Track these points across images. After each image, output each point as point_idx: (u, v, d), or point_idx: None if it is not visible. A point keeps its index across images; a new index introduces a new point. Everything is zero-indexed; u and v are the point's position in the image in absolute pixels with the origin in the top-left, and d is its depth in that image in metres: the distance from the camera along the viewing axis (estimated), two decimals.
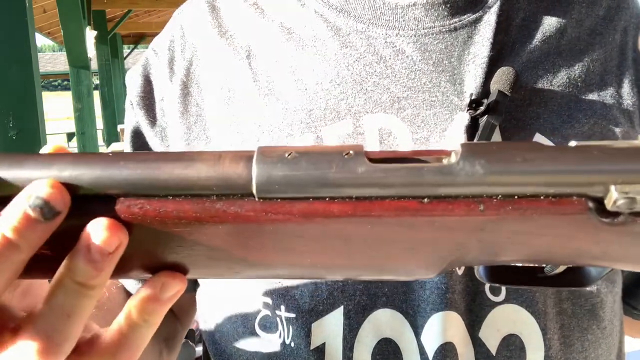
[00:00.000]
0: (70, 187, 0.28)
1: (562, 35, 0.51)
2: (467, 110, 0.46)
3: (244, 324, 0.51)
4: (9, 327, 0.30)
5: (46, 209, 0.27)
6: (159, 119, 0.56)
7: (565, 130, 0.48)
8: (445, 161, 0.29)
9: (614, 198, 0.27)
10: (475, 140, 0.45)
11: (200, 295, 0.57)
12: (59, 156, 0.29)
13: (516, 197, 0.28)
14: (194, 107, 0.54)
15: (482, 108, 0.45)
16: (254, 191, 0.28)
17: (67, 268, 0.28)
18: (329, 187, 0.28)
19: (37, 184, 0.27)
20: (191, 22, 0.57)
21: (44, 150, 0.32)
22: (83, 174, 0.28)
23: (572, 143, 0.29)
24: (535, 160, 0.28)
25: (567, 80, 0.50)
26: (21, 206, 0.27)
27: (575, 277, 0.37)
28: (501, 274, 0.37)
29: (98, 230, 0.27)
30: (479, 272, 0.37)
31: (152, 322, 0.31)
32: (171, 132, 0.55)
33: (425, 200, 0.28)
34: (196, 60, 0.55)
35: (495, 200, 0.28)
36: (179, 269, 0.31)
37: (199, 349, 1.29)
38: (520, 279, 0.37)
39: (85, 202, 0.28)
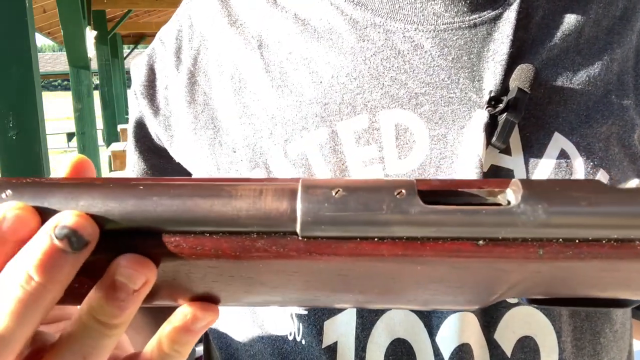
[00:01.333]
0: (98, 220, 0.26)
1: (581, 34, 0.51)
2: (486, 107, 0.46)
3: (253, 319, 0.50)
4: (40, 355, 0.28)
5: (74, 239, 0.25)
6: (162, 108, 0.55)
7: (583, 130, 0.47)
8: (500, 197, 0.28)
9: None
10: (494, 138, 0.45)
11: None
12: (87, 188, 0.27)
13: (577, 240, 0.27)
14: (201, 96, 0.53)
15: (501, 105, 0.45)
16: (298, 231, 0.27)
17: (89, 305, 0.26)
18: (379, 227, 0.27)
19: (63, 214, 0.25)
20: (200, 10, 0.56)
21: (67, 162, 0.30)
22: (113, 208, 0.26)
23: (634, 183, 0.28)
24: (600, 204, 0.27)
25: (587, 79, 0.49)
26: (46, 238, 0.25)
27: (616, 299, 0.36)
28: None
29: (124, 266, 0.26)
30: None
31: (183, 353, 0.29)
32: (175, 120, 0.54)
33: (481, 242, 0.27)
34: (204, 49, 0.54)
35: (555, 244, 0.27)
36: (212, 300, 0.29)
37: (199, 349, 1.29)
38: (559, 300, 0.35)
39: (113, 237, 0.27)
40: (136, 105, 0.57)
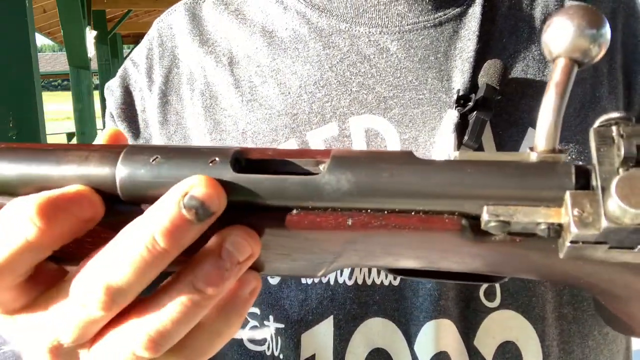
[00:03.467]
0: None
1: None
2: (456, 107, 0.45)
3: (233, 339, 0.51)
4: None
5: (201, 210, 0.25)
6: (142, 131, 0.55)
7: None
8: (321, 167, 0.27)
9: (485, 220, 0.25)
10: (466, 138, 0.44)
11: None
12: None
13: (385, 212, 0.27)
14: (173, 115, 0.53)
15: (470, 104, 0.44)
16: (120, 195, 0.27)
17: (190, 272, 0.26)
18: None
19: (193, 182, 0.25)
20: (170, 29, 0.56)
21: (103, 136, 0.32)
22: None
23: (452, 156, 0.27)
24: (403, 176, 0.26)
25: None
26: (174, 206, 0.25)
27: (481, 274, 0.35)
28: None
29: (235, 235, 0.26)
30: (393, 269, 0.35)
31: (233, 322, 0.30)
32: (155, 143, 0.54)
33: (294, 212, 0.27)
34: (175, 68, 0.54)
35: (364, 214, 0.27)
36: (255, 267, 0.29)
37: None
38: (425, 273, 0.34)
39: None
40: (113, 127, 0.56)
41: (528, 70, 0.48)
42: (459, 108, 0.45)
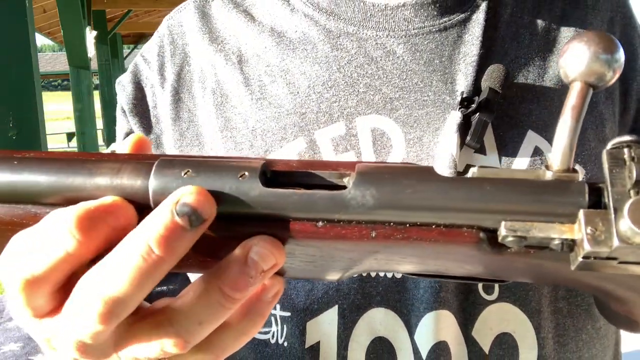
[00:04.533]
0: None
1: (549, 30, 0.51)
2: (459, 108, 0.46)
3: None
4: (137, 316, 0.30)
5: (194, 217, 0.26)
6: (154, 126, 0.56)
7: (556, 127, 0.49)
8: (346, 180, 0.29)
9: (503, 235, 0.26)
10: (468, 138, 0.45)
11: None
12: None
13: (407, 225, 0.28)
14: (185, 112, 0.54)
15: (473, 106, 0.46)
16: (152, 206, 0.28)
17: (217, 276, 0.28)
18: (222, 207, 0.28)
19: (183, 191, 0.27)
20: (181, 28, 0.57)
21: (127, 142, 0.33)
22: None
23: (471, 172, 0.28)
24: (425, 192, 0.28)
25: (559, 74, 0.50)
26: (167, 214, 0.26)
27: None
28: None
29: (260, 245, 0.28)
30: None
31: (257, 322, 0.31)
32: (165, 139, 0.55)
33: (320, 224, 0.29)
34: (187, 66, 0.55)
35: (386, 227, 0.28)
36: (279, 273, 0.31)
37: None
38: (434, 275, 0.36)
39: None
40: (125, 122, 0.57)
41: (528, 76, 0.49)
42: (462, 110, 0.46)
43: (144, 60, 0.58)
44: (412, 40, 0.49)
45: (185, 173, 0.28)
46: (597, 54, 0.27)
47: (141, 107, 0.56)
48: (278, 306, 0.48)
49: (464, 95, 0.47)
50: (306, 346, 0.48)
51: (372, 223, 0.28)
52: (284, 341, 0.48)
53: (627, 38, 0.54)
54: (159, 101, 0.55)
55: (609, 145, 0.27)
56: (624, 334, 0.56)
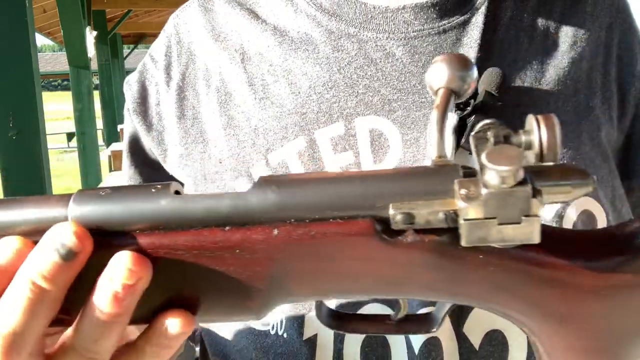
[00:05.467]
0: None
1: (548, 34, 0.52)
2: (455, 111, 0.47)
3: None
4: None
5: (69, 252, 0.30)
6: (155, 124, 0.57)
7: None
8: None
9: (392, 214, 0.30)
10: (463, 140, 0.46)
11: None
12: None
13: (307, 220, 0.30)
14: (190, 110, 0.55)
15: (469, 109, 0.46)
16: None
17: (95, 298, 0.31)
18: (135, 218, 0.31)
19: (58, 229, 0.30)
20: (186, 26, 0.58)
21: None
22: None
23: (365, 169, 0.31)
24: (320, 186, 0.31)
25: (556, 78, 0.50)
26: (46, 250, 0.30)
27: (419, 322, 0.40)
28: (347, 321, 0.40)
29: (119, 263, 0.30)
30: (322, 319, 0.39)
31: (161, 354, 0.33)
32: (168, 136, 0.56)
33: (227, 228, 0.31)
34: (192, 64, 0.56)
35: (288, 225, 0.30)
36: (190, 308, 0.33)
37: (199, 349, 1.29)
38: (368, 327, 0.40)
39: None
40: (130, 121, 0.59)
41: (525, 79, 0.50)
42: (458, 112, 0.47)
43: (151, 59, 0.59)
44: (412, 42, 0.50)
45: (104, 191, 0.32)
46: (454, 72, 0.32)
47: (144, 106, 0.57)
48: None
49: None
50: (304, 338, 0.49)
51: (275, 221, 0.31)
52: (283, 332, 0.49)
53: (626, 44, 0.54)
54: (163, 99, 0.56)
55: (475, 130, 0.31)
56: None
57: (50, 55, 27.06)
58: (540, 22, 0.52)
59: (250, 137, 0.51)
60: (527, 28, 0.52)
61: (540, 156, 0.29)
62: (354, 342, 0.48)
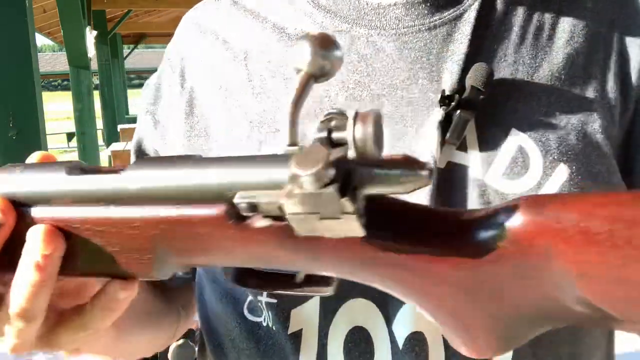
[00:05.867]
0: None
1: (542, 28, 0.51)
2: (441, 106, 0.47)
3: (235, 307, 0.53)
4: None
5: None
6: (163, 120, 0.59)
7: (542, 125, 0.48)
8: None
9: (236, 202, 0.31)
10: (448, 135, 0.46)
11: (198, 280, 0.60)
12: None
13: (172, 203, 0.34)
14: (198, 108, 0.57)
15: (453, 103, 0.47)
16: None
17: (22, 264, 0.36)
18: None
19: None
20: (197, 26, 0.60)
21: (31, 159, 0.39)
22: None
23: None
24: (183, 171, 0.34)
25: (550, 73, 0.50)
26: None
27: (318, 282, 0.40)
28: (251, 277, 0.41)
29: (34, 234, 0.35)
30: (229, 275, 0.41)
31: (109, 316, 0.38)
32: (174, 130, 0.58)
33: (110, 207, 0.35)
34: (202, 66, 0.58)
35: (157, 205, 0.34)
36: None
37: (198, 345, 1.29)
38: (272, 285, 0.41)
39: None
40: (143, 121, 0.61)
41: (517, 74, 0.50)
42: (444, 107, 0.47)
43: (168, 61, 0.61)
44: (402, 38, 0.51)
45: (18, 167, 0.37)
46: (317, 50, 0.31)
47: (155, 105, 0.60)
48: (265, 293, 0.50)
49: (447, 93, 0.48)
50: (289, 332, 0.50)
51: (147, 201, 0.34)
52: (272, 325, 0.51)
53: (630, 39, 0.53)
54: (175, 99, 0.59)
55: (320, 120, 0.31)
56: (621, 334, 0.56)
57: (50, 55, 27.06)
58: (537, 17, 0.52)
59: (246, 130, 0.52)
60: (522, 22, 0.52)
61: (357, 151, 0.29)
62: (337, 337, 0.49)
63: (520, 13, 0.52)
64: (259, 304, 0.51)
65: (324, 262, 0.34)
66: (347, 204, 0.29)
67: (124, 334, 0.50)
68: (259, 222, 0.32)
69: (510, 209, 0.32)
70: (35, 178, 0.36)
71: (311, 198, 0.29)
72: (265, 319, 0.51)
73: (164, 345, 0.61)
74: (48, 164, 0.37)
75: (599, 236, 0.29)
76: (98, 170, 0.36)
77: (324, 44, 0.32)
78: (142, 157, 0.61)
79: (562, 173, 0.47)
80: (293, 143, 0.31)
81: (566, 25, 0.52)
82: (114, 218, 0.35)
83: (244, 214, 0.32)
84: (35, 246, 0.35)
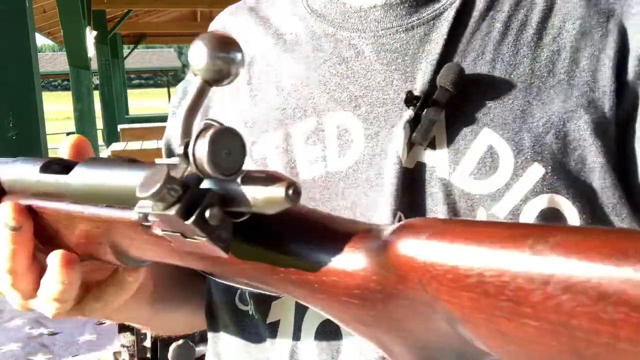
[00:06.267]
0: None
1: (526, 25, 0.50)
2: (408, 106, 0.47)
3: (228, 296, 0.56)
4: None
5: (11, 227, 0.42)
6: None
7: (517, 125, 0.46)
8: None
9: (136, 210, 0.32)
10: (414, 134, 0.46)
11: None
12: None
13: (102, 205, 0.37)
14: (212, 111, 0.60)
15: (418, 104, 0.47)
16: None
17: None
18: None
19: (4, 209, 0.42)
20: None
21: (66, 143, 0.44)
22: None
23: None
24: (110, 178, 0.36)
25: (530, 70, 0.48)
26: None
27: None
28: None
29: (3, 209, 0.42)
30: None
31: (119, 295, 0.44)
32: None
33: (65, 201, 0.39)
34: None
35: (89, 206, 0.37)
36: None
37: (199, 349, 1.29)
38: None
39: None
40: (171, 124, 0.66)
41: (494, 72, 0.49)
42: (411, 107, 0.47)
43: None
44: (380, 40, 0.52)
45: (14, 160, 0.43)
46: (215, 52, 0.29)
47: (179, 109, 0.64)
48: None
49: (417, 93, 0.48)
50: (267, 322, 0.52)
51: (83, 201, 0.37)
52: (255, 314, 0.53)
53: (630, 31, 0.49)
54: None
55: (203, 123, 0.30)
56: None
57: (50, 55, 27.07)
58: (523, 12, 0.50)
59: (240, 130, 0.52)
60: (504, 19, 0.50)
61: (196, 169, 0.28)
62: (309, 328, 0.50)
63: (505, 9, 0.51)
64: (246, 294, 0.53)
65: (225, 269, 0.34)
66: (192, 226, 0.28)
67: (160, 311, 0.57)
68: (156, 230, 0.31)
69: (394, 233, 0.28)
70: (17, 171, 0.42)
71: (165, 218, 0.28)
72: (251, 308, 0.53)
73: (202, 326, 0.64)
74: (32, 159, 0.42)
75: (468, 280, 0.24)
76: (68, 167, 0.39)
77: (221, 45, 0.29)
78: (171, 154, 0.64)
79: (535, 173, 0.45)
80: (185, 152, 0.29)
81: (556, 20, 0.49)
82: (71, 212, 0.38)
83: (143, 223, 0.32)
84: (6, 218, 0.42)
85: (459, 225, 0.26)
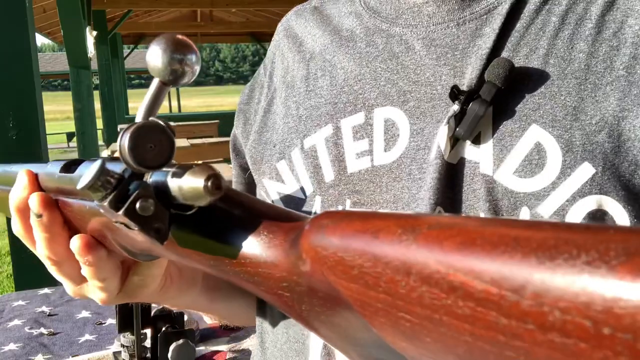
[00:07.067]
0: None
1: (590, 17, 0.47)
2: (453, 101, 0.46)
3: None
4: None
5: (37, 214, 0.46)
6: (251, 118, 0.66)
7: (568, 123, 0.44)
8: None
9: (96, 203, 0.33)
10: (457, 128, 0.45)
11: None
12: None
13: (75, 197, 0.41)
14: (273, 106, 0.62)
15: (462, 98, 0.46)
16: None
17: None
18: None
19: (33, 198, 0.46)
20: (286, 32, 0.67)
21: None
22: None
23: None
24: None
25: (586, 66, 0.45)
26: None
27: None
28: None
29: (32, 198, 0.46)
30: None
31: (144, 284, 0.49)
32: (254, 128, 0.64)
33: (58, 197, 0.44)
34: (283, 68, 0.64)
35: (68, 198, 0.42)
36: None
37: (200, 349, 1.30)
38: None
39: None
40: (236, 120, 0.68)
41: (547, 67, 0.46)
42: (457, 102, 0.46)
43: (263, 65, 0.68)
44: (431, 35, 0.52)
45: (49, 164, 0.46)
46: (170, 54, 0.30)
47: (248, 105, 0.67)
48: None
49: (464, 88, 0.47)
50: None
51: (63, 194, 0.42)
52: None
53: (625, 32, 0.47)
54: (263, 98, 0.65)
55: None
56: None
57: (50, 55, 27.06)
58: (581, 6, 0.48)
59: (295, 123, 0.57)
60: (562, 12, 0.48)
61: (124, 161, 0.29)
62: (296, 323, 0.51)
63: (563, 2, 0.48)
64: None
65: (186, 261, 0.34)
66: (122, 216, 0.29)
67: (217, 300, 0.61)
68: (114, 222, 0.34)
69: (308, 224, 0.28)
70: (47, 170, 0.46)
71: (104, 209, 0.30)
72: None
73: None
74: (68, 160, 0.45)
75: (353, 271, 0.23)
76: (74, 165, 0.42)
77: (175, 48, 0.30)
78: (237, 154, 0.68)
79: (584, 173, 0.43)
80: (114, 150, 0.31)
81: (618, 14, 0.46)
82: (80, 207, 0.41)
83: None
84: (33, 204, 0.46)
85: (359, 217, 0.25)
